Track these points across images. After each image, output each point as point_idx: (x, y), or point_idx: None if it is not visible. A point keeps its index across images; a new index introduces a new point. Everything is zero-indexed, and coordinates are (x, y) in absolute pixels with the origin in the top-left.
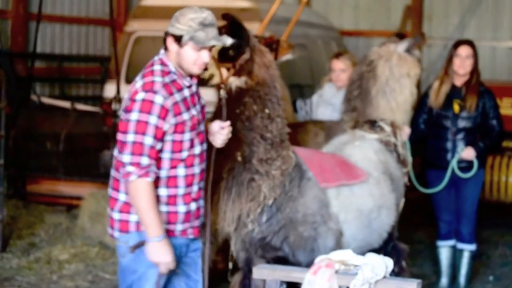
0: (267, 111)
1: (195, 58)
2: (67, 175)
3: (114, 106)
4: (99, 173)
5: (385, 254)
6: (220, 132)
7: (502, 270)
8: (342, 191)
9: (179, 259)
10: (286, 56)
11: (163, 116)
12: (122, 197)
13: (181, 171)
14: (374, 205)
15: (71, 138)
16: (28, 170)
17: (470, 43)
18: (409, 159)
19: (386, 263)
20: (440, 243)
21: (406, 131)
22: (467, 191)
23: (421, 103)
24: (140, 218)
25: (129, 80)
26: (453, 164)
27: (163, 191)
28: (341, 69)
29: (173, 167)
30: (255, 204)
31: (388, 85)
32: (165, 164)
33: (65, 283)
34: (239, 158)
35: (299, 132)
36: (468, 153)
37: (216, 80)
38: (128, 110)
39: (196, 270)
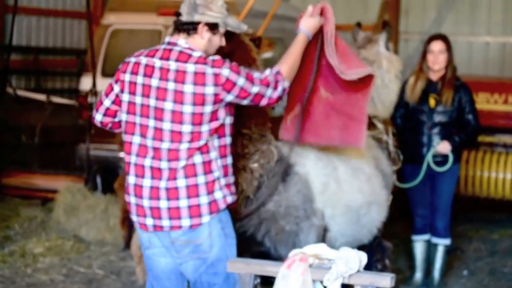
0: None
1: (219, 43)
2: (43, 168)
3: (90, 99)
4: (74, 166)
5: (370, 250)
6: None
7: (476, 264)
8: (330, 186)
9: None
10: (266, 54)
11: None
12: (201, 179)
13: (227, 139)
14: (364, 201)
15: (47, 131)
16: (3, 163)
17: (443, 37)
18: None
19: (360, 257)
20: (415, 237)
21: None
22: (442, 185)
23: (398, 98)
24: (301, 56)
25: (105, 73)
26: (429, 158)
27: (229, 160)
28: None
29: (222, 136)
30: None
31: (376, 91)
32: (226, 131)
33: (39, 277)
34: None
35: (276, 126)
36: (443, 146)
37: None
38: (229, 89)
39: None
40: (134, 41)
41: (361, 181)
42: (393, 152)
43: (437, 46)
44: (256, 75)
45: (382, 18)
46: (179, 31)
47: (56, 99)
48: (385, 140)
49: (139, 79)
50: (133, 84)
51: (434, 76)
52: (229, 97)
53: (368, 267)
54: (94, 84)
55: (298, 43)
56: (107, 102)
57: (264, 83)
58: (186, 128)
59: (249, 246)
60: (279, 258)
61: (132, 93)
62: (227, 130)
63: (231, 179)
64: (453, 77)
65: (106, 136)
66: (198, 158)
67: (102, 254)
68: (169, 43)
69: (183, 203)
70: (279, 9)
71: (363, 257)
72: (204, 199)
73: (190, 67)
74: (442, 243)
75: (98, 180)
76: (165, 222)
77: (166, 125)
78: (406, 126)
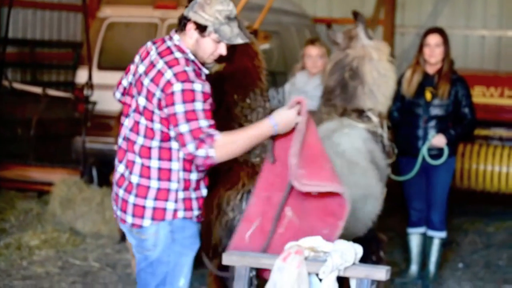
0: (248, 101)
1: (213, 50)
2: (38, 161)
3: (86, 92)
4: (70, 159)
5: (365, 243)
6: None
7: (472, 257)
8: None
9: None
10: (263, 46)
11: (205, 99)
12: (154, 184)
13: None
14: (360, 194)
15: (43, 124)
16: None
17: (439, 31)
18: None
19: (355, 250)
20: (411, 230)
21: None
22: (438, 178)
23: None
24: (253, 143)
25: (101, 66)
26: (424, 151)
27: (194, 176)
28: (318, 55)
29: None
30: (234, 192)
31: (376, 84)
32: None
33: (35, 269)
34: None
35: None
36: (439, 140)
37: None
38: (168, 104)
39: None
40: (130, 34)
41: (357, 175)
42: (388, 146)
43: (433, 39)
44: (198, 120)
45: (378, 12)
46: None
47: (52, 92)
48: (380, 134)
49: (140, 66)
50: (136, 67)
51: (431, 70)
52: (163, 113)
53: (363, 259)
54: (90, 77)
55: (257, 127)
56: (124, 82)
57: (193, 134)
58: (157, 126)
59: None
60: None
61: (134, 76)
62: None
63: (194, 194)
64: (450, 70)
65: (102, 129)
66: (155, 163)
67: (97, 247)
68: (169, 36)
69: (131, 199)
70: (275, 3)
71: (358, 249)
72: (150, 203)
73: (159, 64)
74: (438, 236)
75: (94, 173)
76: (118, 212)
77: (142, 120)
78: (402, 120)
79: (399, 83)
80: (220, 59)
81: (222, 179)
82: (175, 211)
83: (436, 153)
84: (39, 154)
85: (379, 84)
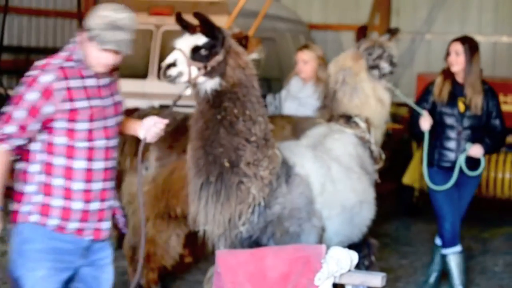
0: (248, 112)
1: (97, 57)
2: None
3: None
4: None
5: (356, 247)
6: (156, 126)
7: (468, 263)
8: (327, 187)
9: (73, 259)
10: (254, 55)
11: (46, 96)
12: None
13: (78, 163)
14: (356, 200)
15: None
16: None
17: (462, 39)
18: (425, 151)
19: (351, 257)
20: (447, 250)
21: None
22: (465, 191)
23: (421, 100)
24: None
25: None
26: (461, 161)
27: (59, 181)
28: (303, 60)
29: (69, 157)
30: (245, 206)
31: (359, 107)
32: (61, 151)
33: None
34: (227, 164)
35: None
36: (476, 150)
37: (184, 78)
38: None
39: (99, 277)
40: None
41: (353, 180)
42: (376, 151)
43: (453, 47)
44: (14, 115)
45: (373, 18)
46: None
47: None
48: (368, 139)
49: None
50: None
51: (460, 78)
52: None
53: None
54: None
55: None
56: None
57: (2, 120)
58: None
59: (251, 247)
60: None
61: None
62: (57, 149)
63: (56, 202)
64: (479, 80)
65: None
66: (21, 164)
67: None
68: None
69: None
70: (270, 9)
71: (354, 256)
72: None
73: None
74: (451, 251)
75: None
76: None
77: None
78: (433, 130)
79: (428, 91)
80: (211, 74)
81: (232, 194)
82: (29, 214)
83: (471, 164)
84: None
85: (362, 104)
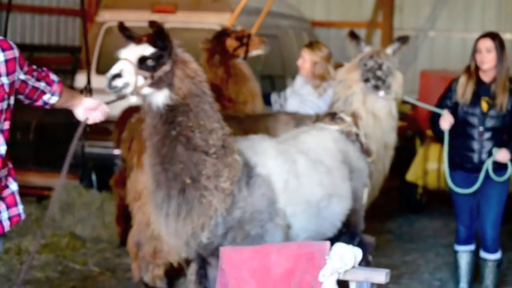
0: (202, 122)
1: None
2: (38, 165)
3: (84, 96)
4: (70, 163)
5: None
6: (99, 110)
7: None
8: (290, 183)
9: None
10: (257, 51)
11: None
12: None
13: None
14: (323, 194)
15: (42, 128)
16: None
17: (491, 35)
18: (446, 151)
19: (355, 253)
20: (459, 248)
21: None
22: (494, 195)
23: (444, 98)
24: None
25: (99, 71)
26: (489, 165)
27: None
28: (303, 58)
29: None
30: (207, 219)
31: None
32: None
33: (35, 274)
34: (188, 181)
35: (270, 120)
36: (503, 155)
37: (130, 89)
38: None
39: None
40: None
41: (321, 173)
42: (366, 143)
43: (484, 44)
44: None
45: (376, 15)
46: None
47: None
48: (355, 132)
49: None
50: None
51: (486, 77)
52: None
53: None
54: (88, 82)
55: None
56: None
57: None
58: None
59: (215, 251)
60: None
61: None
62: None
63: None
64: (507, 78)
65: (101, 134)
66: None
67: (97, 251)
68: None
69: None
70: (273, 6)
71: (358, 253)
72: None
73: None
74: (492, 258)
75: (93, 177)
76: None
77: None
78: (455, 129)
79: (450, 89)
80: (158, 85)
81: (194, 208)
82: None
83: (496, 167)
84: (38, 158)
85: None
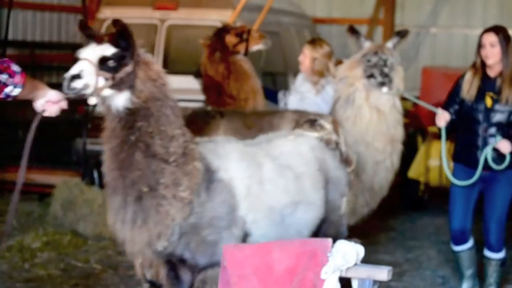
0: (163, 128)
1: None
2: (39, 163)
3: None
4: (71, 161)
5: None
6: (58, 104)
7: None
8: (252, 189)
9: None
10: (257, 46)
11: None
12: None
13: None
14: (289, 201)
15: (43, 126)
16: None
17: (496, 29)
18: (443, 147)
19: (357, 251)
20: (456, 248)
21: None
22: (496, 192)
23: (452, 94)
24: None
25: None
26: (488, 152)
27: None
28: (304, 54)
29: None
30: (164, 228)
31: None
32: None
33: (37, 271)
34: (146, 190)
35: (276, 117)
36: (504, 145)
37: (90, 91)
38: None
39: None
40: None
41: (288, 179)
42: (345, 152)
43: (488, 38)
44: None
45: (378, 12)
46: None
47: None
48: (335, 140)
49: None
50: None
51: (491, 72)
52: None
53: None
54: None
55: None
56: None
57: None
58: None
59: (170, 257)
60: (196, 266)
61: None
62: None
63: None
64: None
65: (103, 131)
66: None
67: (99, 249)
68: None
69: None
70: (275, 3)
71: (360, 250)
72: None
73: None
74: (496, 257)
75: (95, 174)
76: None
77: None
78: (460, 125)
79: (458, 85)
80: (119, 86)
81: (150, 217)
82: None
83: (496, 158)
84: (40, 156)
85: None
